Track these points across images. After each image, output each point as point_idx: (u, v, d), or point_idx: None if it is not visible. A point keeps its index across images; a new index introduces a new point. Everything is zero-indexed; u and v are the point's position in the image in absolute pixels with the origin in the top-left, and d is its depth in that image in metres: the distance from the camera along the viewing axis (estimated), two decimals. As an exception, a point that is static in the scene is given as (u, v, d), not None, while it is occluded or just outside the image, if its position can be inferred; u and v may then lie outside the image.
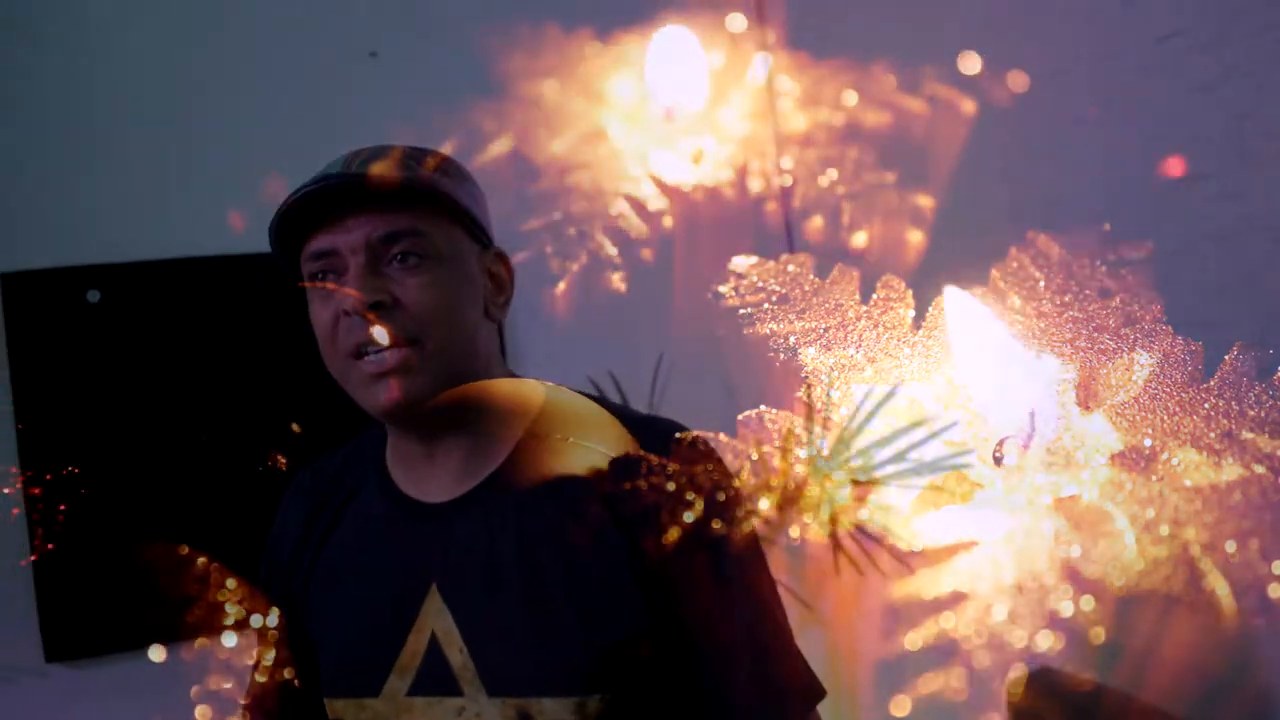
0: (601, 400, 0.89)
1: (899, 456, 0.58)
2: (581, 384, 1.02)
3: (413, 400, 0.80)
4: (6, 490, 1.35)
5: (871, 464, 0.58)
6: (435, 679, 0.84)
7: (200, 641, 0.83)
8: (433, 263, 0.82)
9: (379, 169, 0.82)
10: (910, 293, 0.69)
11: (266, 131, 1.46)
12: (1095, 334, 0.63)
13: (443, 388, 0.82)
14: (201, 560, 0.85)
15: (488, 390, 0.85)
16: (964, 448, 0.61)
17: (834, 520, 0.57)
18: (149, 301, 1.42)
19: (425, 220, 0.82)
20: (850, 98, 1.52)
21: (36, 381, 1.36)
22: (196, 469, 1.38)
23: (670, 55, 1.53)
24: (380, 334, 0.79)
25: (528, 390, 0.89)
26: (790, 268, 0.72)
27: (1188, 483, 0.54)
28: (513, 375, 0.90)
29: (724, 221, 1.54)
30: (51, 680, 1.39)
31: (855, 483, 0.58)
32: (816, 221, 1.51)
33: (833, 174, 1.51)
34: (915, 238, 1.46)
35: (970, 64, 1.36)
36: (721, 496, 0.60)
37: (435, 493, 0.86)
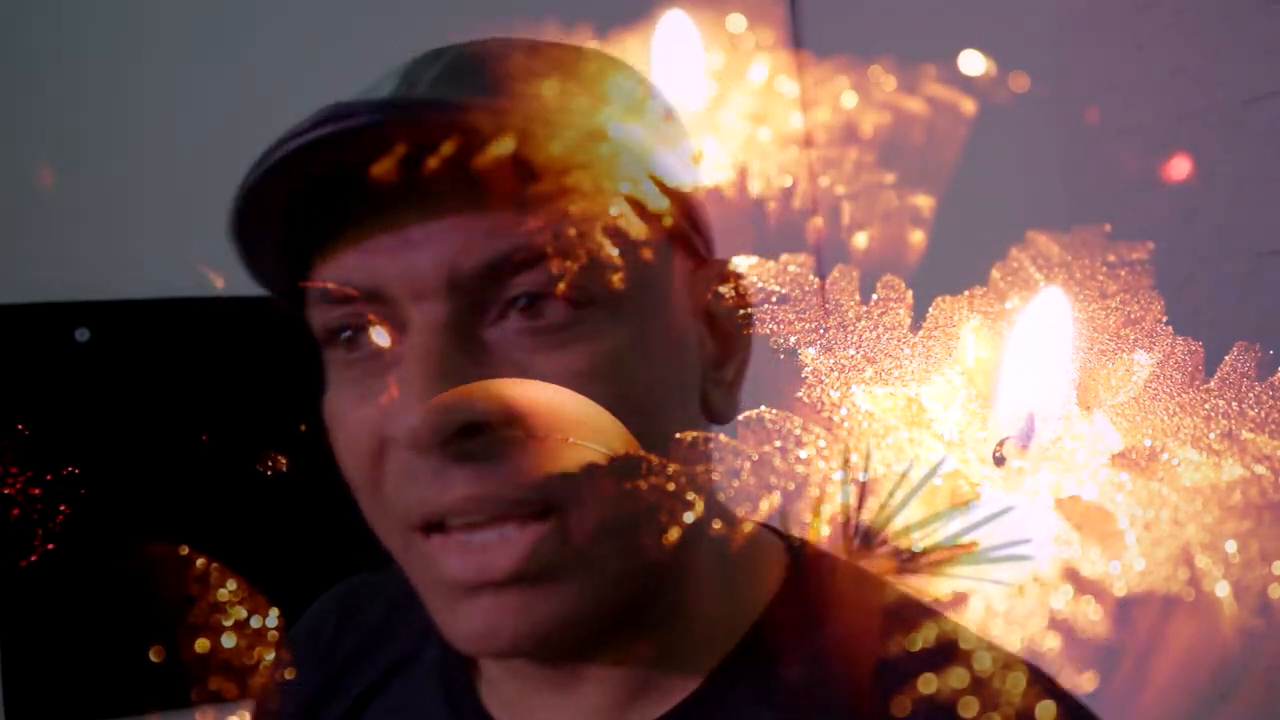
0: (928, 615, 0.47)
1: (951, 542, 0.50)
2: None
3: (543, 640, 0.40)
4: None
5: (920, 549, 0.50)
6: None
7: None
8: (603, 314, 0.40)
9: (481, 103, 0.39)
10: (910, 293, 0.69)
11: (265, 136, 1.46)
12: (1095, 334, 0.63)
13: (612, 607, 0.41)
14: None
15: (678, 580, 0.45)
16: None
17: None
18: (140, 341, 1.33)
19: (591, 216, 0.39)
20: (850, 98, 1.52)
21: (19, 421, 1.30)
22: (188, 523, 1.28)
23: (672, 48, 1.53)
24: (466, 487, 0.38)
25: (757, 566, 0.47)
26: (790, 268, 0.72)
27: (1188, 483, 0.54)
28: (743, 533, 0.48)
29: (724, 221, 1.54)
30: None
31: (897, 568, 0.50)
32: (816, 221, 1.51)
33: (832, 174, 1.51)
34: (915, 238, 1.46)
35: (971, 64, 1.36)
36: None
37: None
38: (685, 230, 0.44)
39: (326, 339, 0.42)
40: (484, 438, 0.38)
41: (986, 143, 1.41)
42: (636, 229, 0.40)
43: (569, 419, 0.37)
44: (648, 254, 0.41)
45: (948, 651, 0.44)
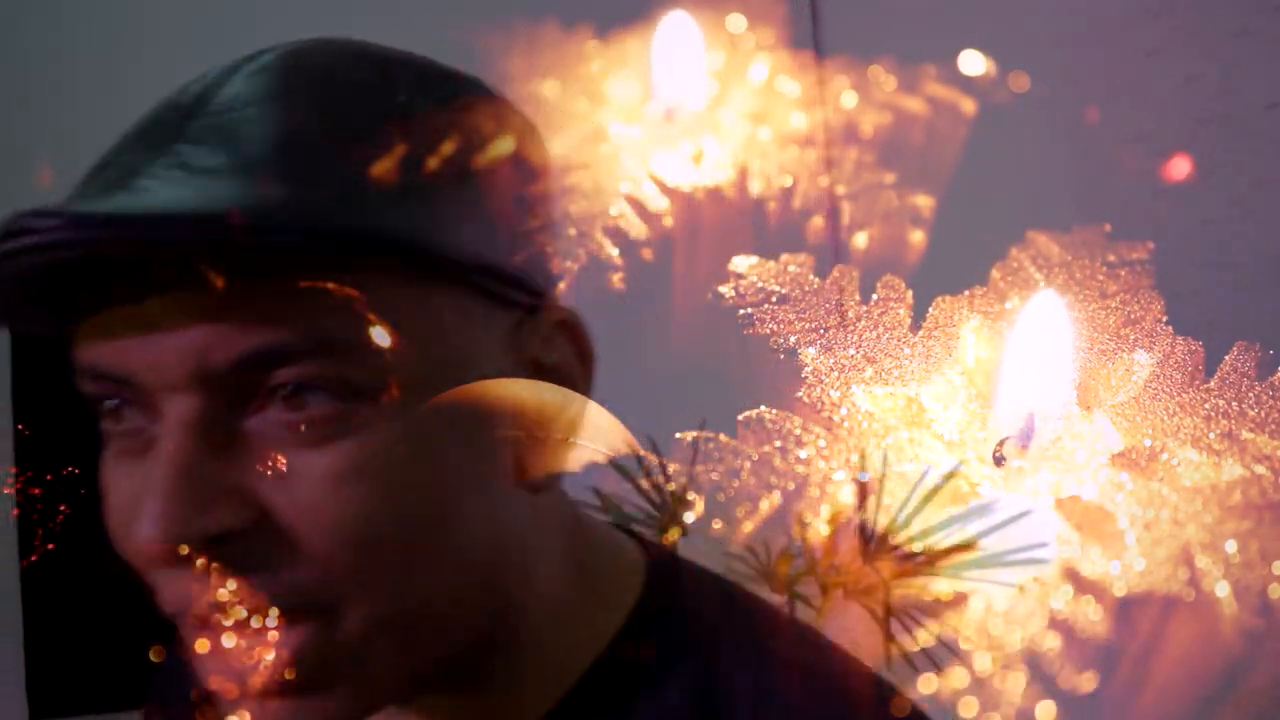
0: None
1: (967, 545, 0.51)
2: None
3: None
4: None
5: (935, 552, 0.50)
6: None
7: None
8: (375, 410, 0.35)
9: (187, 190, 0.34)
10: (910, 293, 0.69)
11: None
12: (1095, 334, 0.63)
13: (398, 693, 0.40)
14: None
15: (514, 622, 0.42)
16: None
17: (887, 608, 0.50)
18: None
19: (353, 300, 0.34)
20: (850, 98, 1.52)
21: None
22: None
23: (673, 47, 1.53)
24: (214, 595, 0.35)
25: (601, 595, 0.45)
26: (790, 268, 0.72)
27: (1188, 483, 0.54)
28: (591, 570, 0.44)
29: (724, 221, 1.54)
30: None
31: (909, 570, 0.50)
32: (816, 221, 1.51)
33: (833, 174, 1.51)
34: (915, 238, 1.46)
35: (971, 64, 1.36)
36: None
37: None
38: (493, 289, 0.38)
39: (93, 407, 0.38)
40: (235, 545, 0.35)
41: (986, 143, 1.41)
42: (417, 307, 0.36)
43: (323, 521, 0.35)
44: (444, 320, 0.37)
45: (813, 674, 0.44)
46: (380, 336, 0.35)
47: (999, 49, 1.40)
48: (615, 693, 0.43)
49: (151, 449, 0.36)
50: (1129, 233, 0.67)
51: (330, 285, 0.34)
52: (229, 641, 0.36)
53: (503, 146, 0.39)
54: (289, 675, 0.35)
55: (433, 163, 0.36)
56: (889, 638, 0.50)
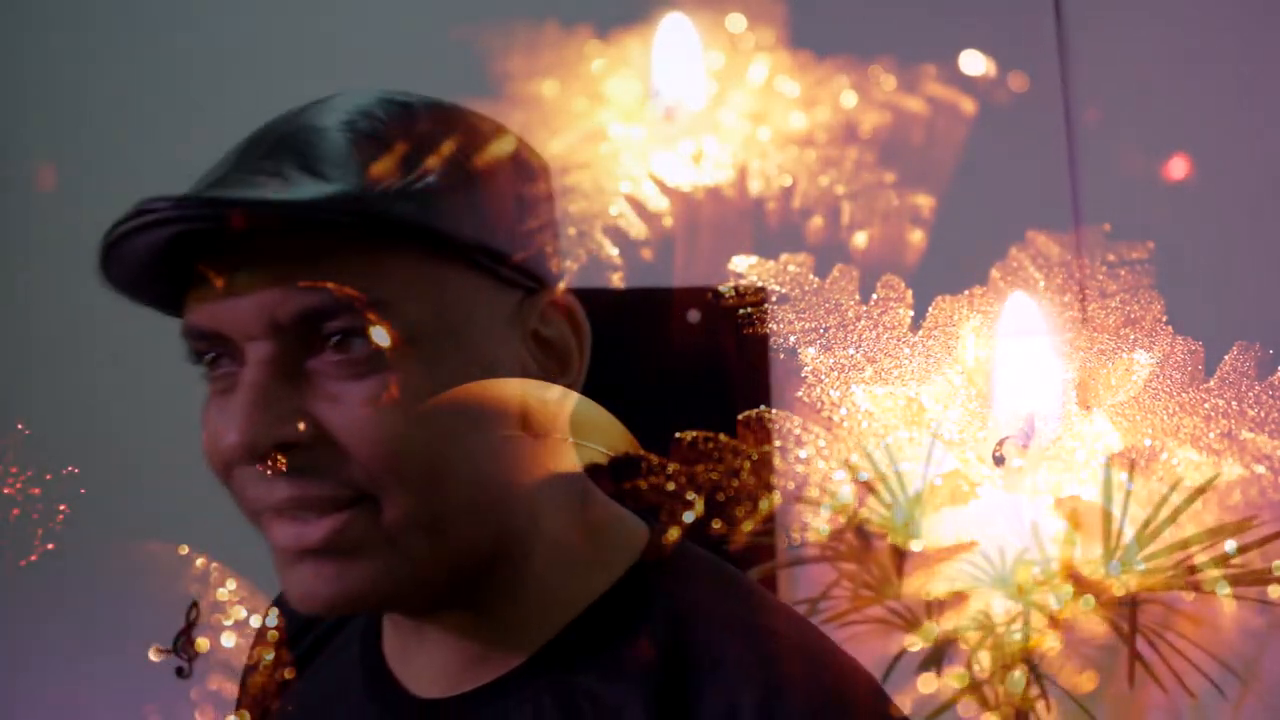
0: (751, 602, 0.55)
1: (1221, 561, 0.47)
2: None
3: (358, 604, 0.50)
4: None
5: (1198, 566, 0.48)
6: None
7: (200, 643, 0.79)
8: (400, 350, 0.47)
9: (268, 189, 0.47)
10: (910, 293, 0.69)
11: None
12: (1095, 334, 0.63)
13: (422, 576, 0.50)
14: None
15: (519, 555, 0.53)
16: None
17: (1133, 622, 0.48)
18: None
19: (382, 271, 0.48)
20: (850, 98, 1.52)
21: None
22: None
23: (673, 47, 1.53)
24: (286, 490, 0.47)
25: (607, 541, 0.56)
26: (790, 268, 0.72)
27: (1188, 483, 0.54)
28: (596, 532, 0.56)
29: (724, 221, 1.54)
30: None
31: (1160, 584, 0.48)
32: (816, 221, 1.51)
33: (832, 174, 1.51)
34: (915, 238, 1.46)
35: (971, 64, 1.36)
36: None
37: (423, 681, 0.56)
38: (500, 273, 0.51)
39: (196, 360, 0.52)
40: (298, 451, 0.47)
41: (987, 143, 1.41)
42: (434, 282, 0.49)
43: (362, 432, 0.47)
44: (455, 293, 0.49)
45: (769, 647, 0.52)
46: (404, 298, 0.48)
47: (999, 48, 1.40)
48: (602, 637, 0.53)
49: (237, 387, 0.48)
50: (1129, 233, 0.67)
51: (368, 258, 0.47)
52: (297, 525, 0.48)
53: (499, 159, 0.53)
54: (340, 545, 0.48)
55: (442, 171, 0.50)
56: (1134, 654, 0.47)
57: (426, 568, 0.50)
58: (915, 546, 0.52)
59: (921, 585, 0.51)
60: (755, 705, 0.50)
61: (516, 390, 0.51)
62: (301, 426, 0.47)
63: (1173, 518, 0.50)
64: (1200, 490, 0.51)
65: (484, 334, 0.50)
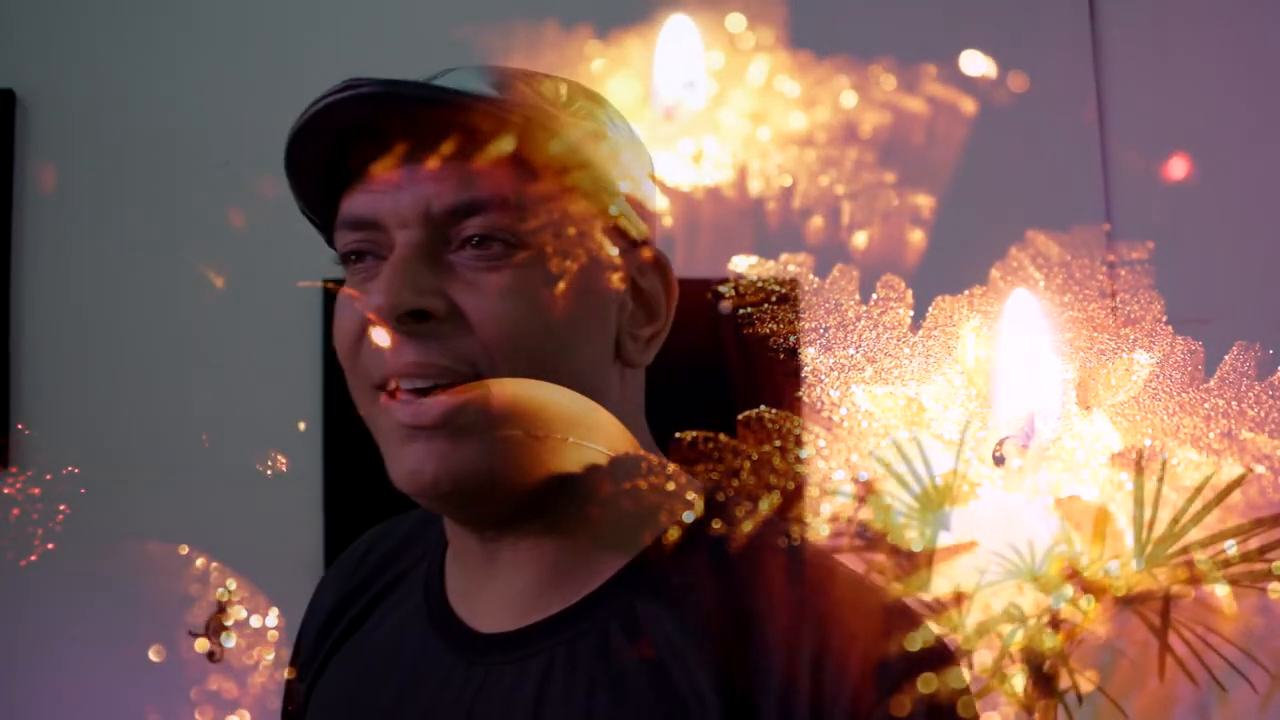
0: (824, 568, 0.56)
1: (1251, 556, 0.48)
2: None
3: (460, 484, 0.53)
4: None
5: (1224, 562, 0.48)
6: None
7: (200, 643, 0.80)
8: (531, 256, 0.53)
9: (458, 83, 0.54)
10: (910, 293, 0.69)
11: (261, 137, 1.46)
12: (1095, 334, 0.63)
13: (518, 468, 0.54)
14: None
15: (597, 472, 0.56)
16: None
17: (1165, 617, 0.48)
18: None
19: (529, 188, 0.53)
20: (850, 98, 1.52)
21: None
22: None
23: (673, 47, 1.53)
24: (414, 355, 0.52)
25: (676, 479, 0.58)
26: (790, 268, 0.72)
27: (1188, 483, 0.54)
28: (665, 463, 0.59)
29: (724, 221, 1.54)
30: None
31: (1190, 578, 0.48)
32: (816, 221, 1.51)
33: (832, 174, 1.51)
34: (915, 238, 1.46)
35: (971, 64, 1.36)
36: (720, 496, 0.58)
37: (488, 616, 0.58)
38: (621, 216, 0.57)
39: (344, 259, 0.56)
40: (429, 322, 0.52)
41: (986, 143, 1.41)
42: (567, 208, 0.54)
43: (491, 314, 0.52)
44: (582, 222, 0.55)
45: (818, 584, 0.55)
46: (543, 212, 0.53)
47: (998, 48, 1.40)
48: (670, 568, 0.56)
49: (377, 275, 0.53)
50: (1129, 233, 0.67)
51: (517, 170, 0.53)
52: (415, 403, 0.52)
53: (626, 122, 0.63)
54: (453, 422, 0.51)
55: (590, 113, 0.58)
56: (1165, 648, 0.47)
57: (524, 459, 0.53)
58: (942, 540, 0.52)
59: (950, 581, 0.51)
60: (816, 640, 0.52)
61: (616, 320, 0.57)
62: (438, 302, 0.52)
63: (1202, 514, 0.50)
64: (1233, 486, 0.51)
65: (597, 265, 0.56)
